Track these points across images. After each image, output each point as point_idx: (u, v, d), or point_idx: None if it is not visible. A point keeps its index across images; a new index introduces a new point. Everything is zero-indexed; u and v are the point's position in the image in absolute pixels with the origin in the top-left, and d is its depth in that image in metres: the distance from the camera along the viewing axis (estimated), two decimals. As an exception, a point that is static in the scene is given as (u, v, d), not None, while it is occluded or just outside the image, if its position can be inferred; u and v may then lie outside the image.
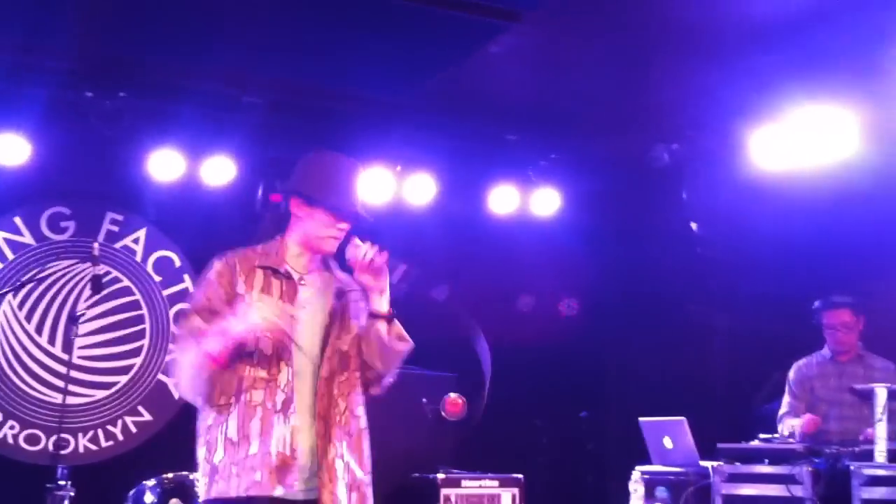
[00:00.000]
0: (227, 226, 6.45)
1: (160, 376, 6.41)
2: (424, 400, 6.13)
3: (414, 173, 6.58)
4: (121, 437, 6.28)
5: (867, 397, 4.18)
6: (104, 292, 5.98)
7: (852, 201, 5.47)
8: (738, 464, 4.38)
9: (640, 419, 4.99)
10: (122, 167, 6.09)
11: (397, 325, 3.03)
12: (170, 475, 4.85)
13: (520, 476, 5.51)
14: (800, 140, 5.53)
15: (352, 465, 3.04)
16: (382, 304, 2.99)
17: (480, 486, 5.39)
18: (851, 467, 4.00)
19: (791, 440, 4.58)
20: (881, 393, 4.10)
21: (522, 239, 6.91)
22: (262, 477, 2.80)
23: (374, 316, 2.98)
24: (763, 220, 5.99)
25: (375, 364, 3.03)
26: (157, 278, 6.53)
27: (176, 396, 6.39)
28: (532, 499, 5.54)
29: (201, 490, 2.93)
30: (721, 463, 4.41)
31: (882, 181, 5.35)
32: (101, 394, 6.27)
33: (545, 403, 6.82)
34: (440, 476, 5.71)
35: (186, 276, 6.60)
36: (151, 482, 4.82)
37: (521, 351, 6.72)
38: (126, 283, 6.43)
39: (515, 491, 5.48)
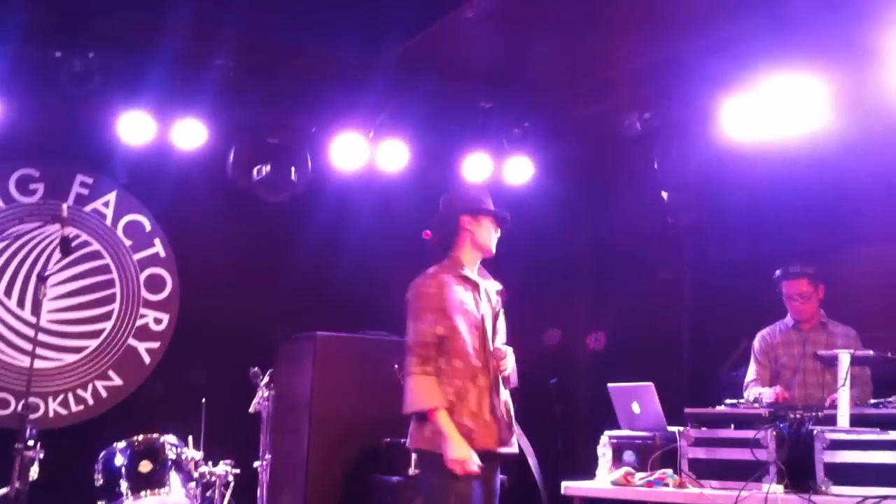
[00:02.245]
0: (199, 190, 6.44)
1: (131, 341, 6.39)
2: (396, 366, 6.15)
3: (387, 139, 6.56)
4: (91, 402, 6.27)
5: (830, 363, 4.24)
6: (74, 255, 5.95)
7: (821, 171, 5.52)
8: (704, 428, 4.43)
9: (609, 385, 5.04)
10: (91, 129, 6.04)
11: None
12: (140, 437, 4.87)
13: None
14: (770, 110, 5.54)
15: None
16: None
17: (451, 450, 5.42)
18: (815, 431, 4.06)
19: (756, 405, 4.65)
20: (844, 358, 4.16)
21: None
22: None
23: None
24: (733, 190, 6.04)
25: None
26: (128, 242, 6.50)
27: (147, 361, 6.40)
28: (501, 464, 5.59)
29: None
30: (688, 427, 4.46)
31: (851, 151, 5.41)
32: (70, 358, 6.24)
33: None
34: (411, 440, 5.77)
35: (157, 241, 6.57)
36: (121, 444, 4.84)
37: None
38: (96, 246, 6.39)
39: (485, 455, 5.52)
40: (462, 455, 3.63)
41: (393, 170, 6.68)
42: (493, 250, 3.96)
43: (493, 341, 3.90)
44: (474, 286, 3.88)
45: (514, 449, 3.94)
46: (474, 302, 3.83)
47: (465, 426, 3.71)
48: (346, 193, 6.75)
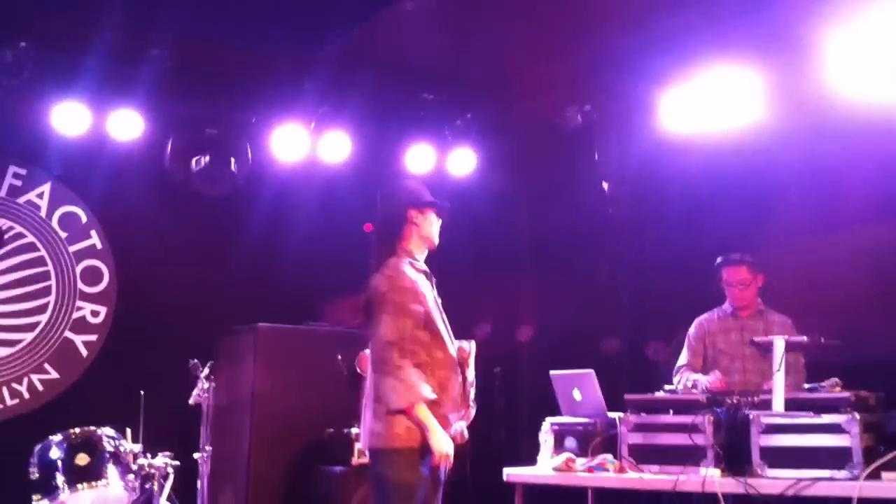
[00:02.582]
0: (136, 181, 6.33)
1: (67, 333, 6.27)
2: (339, 357, 6.15)
3: (328, 131, 6.53)
4: (27, 396, 6.14)
5: (766, 350, 4.33)
6: (7, 248, 5.82)
7: (757, 163, 5.64)
8: (643, 414, 4.50)
9: (551, 372, 5.09)
10: (24, 120, 5.91)
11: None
12: (76, 430, 4.78)
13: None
14: (707, 103, 5.64)
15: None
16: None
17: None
18: (750, 416, 4.15)
19: (694, 391, 4.73)
20: (779, 344, 4.25)
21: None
22: None
23: None
24: (671, 181, 6.13)
25: None
26: (63, 234, 6.37)
27: (84, 354, 6.29)
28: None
29: None
30: (627, 413, 4.52)
31: (785, 143, 5.52)
32: (4, 351, 6.11)
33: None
34: (354, 430, 5.77)
35: (93, 232, 6.45)
36: (58, 437, 4.75)
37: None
38: (30, 238, 6.26)
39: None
40: (448, 448, 3.64)
41: (335, 161, 6.65)
42: (437, 242, 3.98)
43: None
44: (430, 277, 3.91)
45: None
46: (434, 293, 3.87)
47: (446, 419, 3.70)
48: (287, 185, 6.70)
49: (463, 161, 6.90)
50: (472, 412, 3.91)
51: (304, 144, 6.46)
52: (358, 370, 5.96)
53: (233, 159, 6.18)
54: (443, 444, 3.62)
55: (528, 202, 7.18)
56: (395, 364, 3.60)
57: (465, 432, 3.87)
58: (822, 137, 5.36)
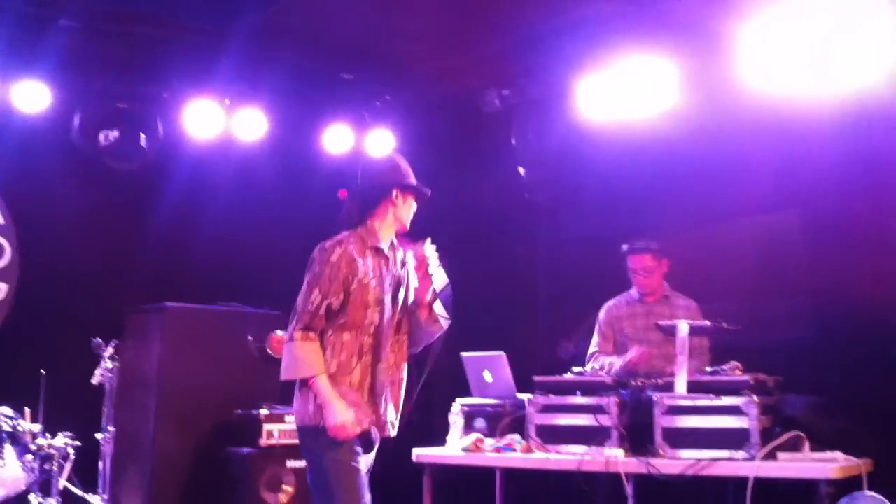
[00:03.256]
0: (42, 155, 6.13)
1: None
2: (251, 338, 6.07)
3: (244, 108, 6.42)
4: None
5: (671, 334, 4.41)
6: None
7: (671, 150, 5.72)
8: (552, 396, 4.55)
9: (462, 354, 5.11)
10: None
11: (435, 310, 3.76)
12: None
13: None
14: (624, 90, 5.70)
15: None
16: (427, 295, 3.73)
17: (304, 422, 5.39)
18: (654, 398, 4.23)
19: (601, 373, 4.80)
20: (682, 328, 4.34)
21: (356, 178, 6.85)
22: None
23: (418, 304, 3.74)
24: (588, 167, 6.18)
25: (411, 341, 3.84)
26: (-37, 208, 6.13)
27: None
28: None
29: None
30: (536, 395, 4.57)
31: (698, 131, 5.60)
32: None
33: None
34: (263, 412, 5.71)
35: (-4, 206, 6.23)
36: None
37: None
38: (-74, 211, 6.01)
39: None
40: (343, 419, 3.44)
41: (250, 139, 6.55)
42: (408, 227, 3.85)
43: (400, 311, 3.75)
44: (385, 259, 3.71)
45: (389, 434, 3.70)
46: (380, 275, 3.65)
47: (345, 397, 3.51)
48: (200, 162, 6.56)
49: (381, 142, 6.86)
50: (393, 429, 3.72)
51: (218, 121, 6.34)
52: (268, 351, 5.90)
53: (143, 134, 6.03)
54: (336, 415, 3.43)
55: (447, 185, 7.13)
56: (292, 334, 3.54)
57: (389, 426, 3.67)
58: (730, 127, 5.46)
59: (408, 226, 3.83)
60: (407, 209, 3.81)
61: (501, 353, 4.93)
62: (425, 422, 5.97)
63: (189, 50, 5.97)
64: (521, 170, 6.49)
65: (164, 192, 6.45)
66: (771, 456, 3.94)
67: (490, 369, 4.96)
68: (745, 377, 4.15)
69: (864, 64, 4.68)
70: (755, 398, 4.00)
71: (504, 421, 4.71)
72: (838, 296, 5.11)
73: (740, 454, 3.96)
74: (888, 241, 4.98)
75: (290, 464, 5.63)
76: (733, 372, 4.26)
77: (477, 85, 6.49)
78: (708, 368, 4.45)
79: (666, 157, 5.79)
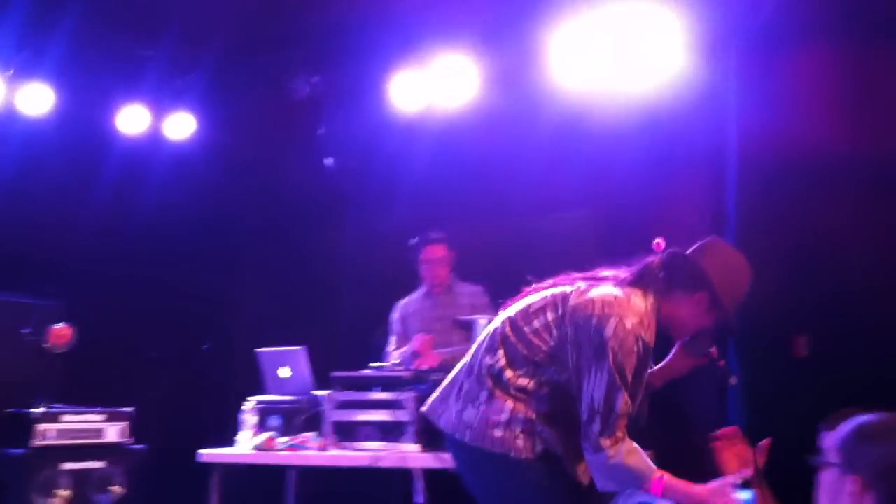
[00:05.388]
0: None
1: None
2: (29, 330, 5.60)
3: (29, 81, 5.92)
4: None
5: (468, 328, 4.40)
6: None
7: (474, 144, 5.77)
8: (351, 391, 4.43)
9: (257, 350, 4.90)
10: None
11: None
12: None
13: (130, 409, 5.23)
14: (431, 85, 5.73)
15: None
16: None
17: (83, 420, 5.04)
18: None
19: (399, 367, 4.72)
20: (481, 322, 4.30)
21: (154, 160, 6.51)
22: None
23: None
24: (395, 159, 6.13)
25: None
26: None
27: None
28: (144, 432, 5.28)
29: None
30: (333, 390, 4.44)
31: (502, 129, 5.68)
32: None
33: (164, 335, 6.51)
34: (36, 410, 5.25)
35: None
36: None
37: (137, 282, 6.37)
38: None
39: (124, 425, 5.20)
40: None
41: (36, 114, 6.05)
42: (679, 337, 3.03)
43: None
44: None
45: None
46: None
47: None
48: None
49: (182, 124, 6.53)
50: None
51: (-1, 92, 5.82)
52: (46, 345, 5.46)
53: None
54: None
55: (254, 170, 6.91)
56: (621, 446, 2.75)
57: None
58: (536, 126, 5.54)
59: (678, 335, 3.00)
60: (686, 317, 2.90)
61: (301, 348, 4.76)
62: (222, 421, 5.73)
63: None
64: (328, 160, 6.36)
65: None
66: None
67: (289, 364, 4.78)
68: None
69: (652, 71, 4.93)
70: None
71: (299, 418, 4.55)
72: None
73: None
74: (677, 243, 5.16)
75: (66, 466, 5.21)
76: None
77: (286, 70, 6.28)
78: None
79: (469, 150, 5.86)
